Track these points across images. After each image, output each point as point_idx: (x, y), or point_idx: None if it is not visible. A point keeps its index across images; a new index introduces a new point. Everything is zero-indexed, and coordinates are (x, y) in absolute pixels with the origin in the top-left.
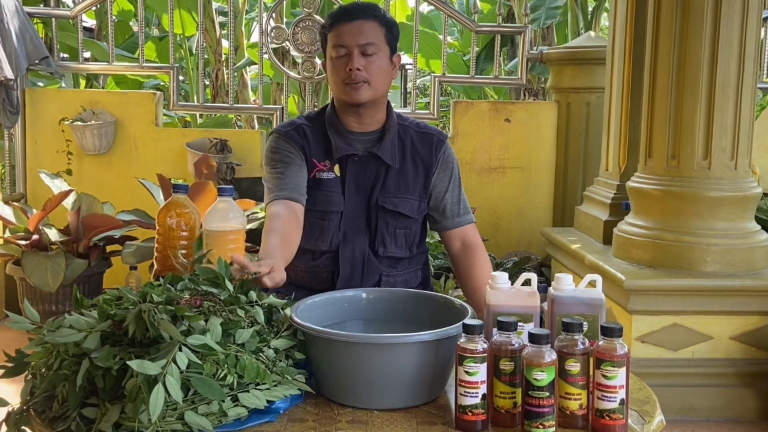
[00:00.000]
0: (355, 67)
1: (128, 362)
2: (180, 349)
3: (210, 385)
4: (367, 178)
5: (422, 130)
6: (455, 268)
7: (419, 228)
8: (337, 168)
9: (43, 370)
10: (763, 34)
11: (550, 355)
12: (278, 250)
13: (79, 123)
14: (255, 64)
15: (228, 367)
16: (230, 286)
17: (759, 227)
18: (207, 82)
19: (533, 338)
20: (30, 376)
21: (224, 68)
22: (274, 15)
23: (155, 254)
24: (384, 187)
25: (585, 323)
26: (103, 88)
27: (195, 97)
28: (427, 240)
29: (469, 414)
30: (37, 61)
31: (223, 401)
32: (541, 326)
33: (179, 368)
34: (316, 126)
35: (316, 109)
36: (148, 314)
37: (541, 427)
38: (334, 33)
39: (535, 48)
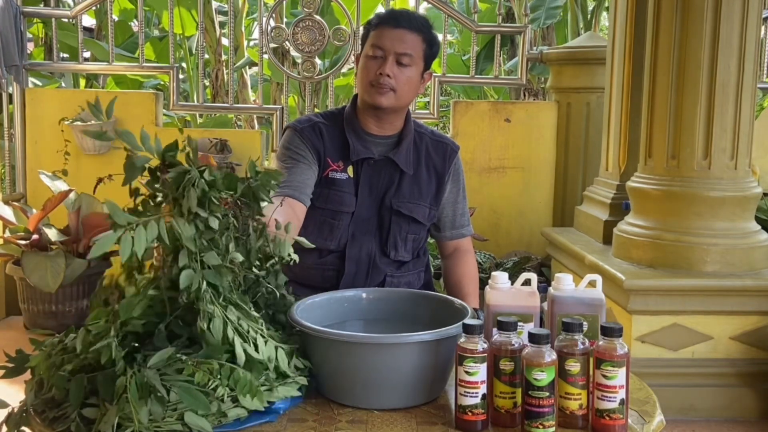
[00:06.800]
0: (386, 73)
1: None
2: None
3: (195, 397)
4: (381, 182)
5: (437, 139)
6: (443, 266)
7: (425, 234)
8: (350, 169)
9: (42, 372)
10: (763, 34)
11: (550, 355)
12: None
13: (78, 123)
14: (255, 65)
15: (221, 378)
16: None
17: (759, 227)
18: (207, 82)
19: (533, 338)
20: (31, 377)
21: (224, 68)
22: (274, 15)
23: (155, 254)
24: (398, 191)
25: (585, 323)
26: (103, 88)
27: (195, 97)
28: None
29: (469, 414)
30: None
31: (223, 401)
32: (541, 326)
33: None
34: (334, 125)
35: (316, 109)
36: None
37: (541, 427)
38: (376, 33)
39: (535, 48)
